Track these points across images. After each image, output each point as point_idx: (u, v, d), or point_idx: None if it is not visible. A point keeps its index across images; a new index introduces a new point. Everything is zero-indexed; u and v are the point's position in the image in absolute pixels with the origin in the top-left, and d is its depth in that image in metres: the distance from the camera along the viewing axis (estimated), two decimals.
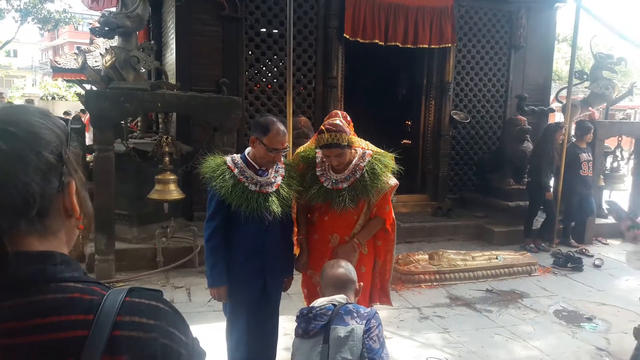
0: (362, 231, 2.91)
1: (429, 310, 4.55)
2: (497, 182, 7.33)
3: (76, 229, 0.85)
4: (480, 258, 5.56)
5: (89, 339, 0.69)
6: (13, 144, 0.73)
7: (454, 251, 5.66)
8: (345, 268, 2.47)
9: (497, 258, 5.59)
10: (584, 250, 6.47)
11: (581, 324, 4.39)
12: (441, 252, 5.51)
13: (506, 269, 5.50)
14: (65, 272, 0.76)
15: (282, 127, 2.69)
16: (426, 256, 5.48)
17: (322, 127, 2.83)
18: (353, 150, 2.88)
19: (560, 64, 24.15)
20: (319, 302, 2.33)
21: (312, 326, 2.23)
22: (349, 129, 2.84)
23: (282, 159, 2.91)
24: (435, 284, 5.20)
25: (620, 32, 6.00)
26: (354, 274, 2.47)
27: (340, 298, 2.32)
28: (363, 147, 2.96)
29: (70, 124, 0.87)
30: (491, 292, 5.06)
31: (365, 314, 2.22)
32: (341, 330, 2.16)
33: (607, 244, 7.04)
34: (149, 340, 0.73)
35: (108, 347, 0.69)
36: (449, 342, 3.94)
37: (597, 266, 6.02)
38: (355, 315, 2.21)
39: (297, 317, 2.32)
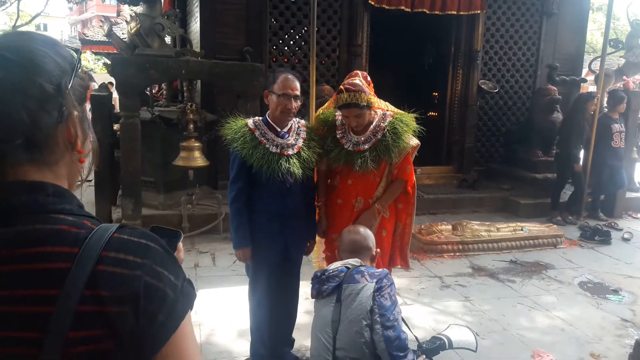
0: (384, 195, 2.89)
1: (451, 279, 4.54)
2: (524, 154, 7.17)
3: (78, 163, 0.83)
4: (505, 229, 5.49)
5: (71, 271, 0.68)
6: (8, 70, 0.72)
7: (478, 222, 5.60)
8: (363, 234, 2.50)
9: (522, 229, 5.52)
10: (612, 224, 6.32)
11: (607, 295, 4.33)
12: (465, 223, 5.46)
13: (531, 241, 5.43)
14: (57, 204, 0.75)
15: (290, 74, 2.69)
16: (449, 226, 5.44)
17: (341, 86, 2.79)
18: (373, 112, 2.84)
19: (595, 36, 23.21)
20: (334, 265, 2.39)
21: (325, 287, 2.30)
22: (369, 89, 2.80)
23: (303, 122, 2.90)
24: (458, 254, 5.17)
25: None
26: (371, 241, 2.50)
27: (353, 261, 2.35)
28: (383, 109, 2.92)
29: (79, 55, 0.85)
30: (515, 263, 5.01)
31: (377, 274, 2.27)
32: (352, 288, 2.22)
33: (638, 218, 6.86)
34: (132, 277, 0.71)
35: (90, 281, 0.68)
36: (470, 310, 3.94)
37: (626, 240, 5.88)
38: (366, 275, 2.26)
39: (312, 279, 2.40)
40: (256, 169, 2.66)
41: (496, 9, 7.39)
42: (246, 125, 2.77)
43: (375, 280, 2.24)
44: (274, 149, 2.70)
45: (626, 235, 5.94)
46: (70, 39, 35.62)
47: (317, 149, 2.85)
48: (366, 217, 2.84)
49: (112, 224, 0.77)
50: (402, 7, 6.60)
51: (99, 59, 23.67)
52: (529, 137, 7.14)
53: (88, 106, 5.25)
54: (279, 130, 2.75)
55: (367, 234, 2.53)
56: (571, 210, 6.57)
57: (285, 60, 6.70)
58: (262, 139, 2.71)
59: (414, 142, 2.85)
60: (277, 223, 2.75)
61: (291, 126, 2.81)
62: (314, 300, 2.46)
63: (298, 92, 2.72)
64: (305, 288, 3.28)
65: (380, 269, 2.36)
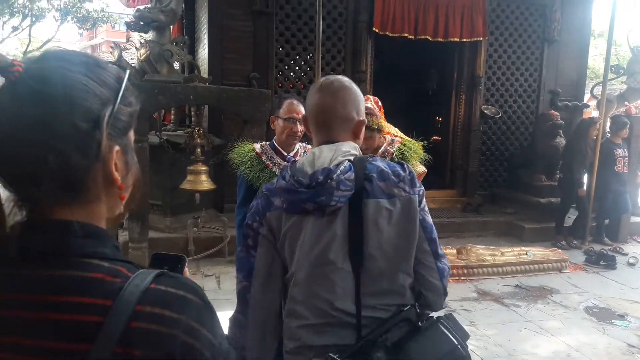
0: None
1: (456, 304, 4.53)
2: (528, 178, 7.22)
3: (118, 199, 0.76)
4: (510, 254, 5.50)
5: (104, 327, 0.63)
6: (42, 108, 0.65)
7: (483, 246, 5.61)
8: (348, 88, 1.49)
9: (526, 254, 5.52)
10: (617, 249, 6.31)
11: (613, 320, 4.31)
12: (469, 247, 5.47)
13: (536, 265, 5.43)
14: (91, 247, 0.69)
15: (294, 99, 2.79)
16: (454, 251, 5.45)
17: None
18: (382, 137, 2.90)
19: (597, 61, 23.44)
20: (318, 157, 1.40)
21: (327, 199, 1.33)
22: (380, 114, 2.87)
23: (309, 146, 2.97)
24: (463, 278, 5.17)
25: None
26: (355, 105, 1.50)
27: (350, 147, 1.43)
28: (392, 134, 2.98)
29: (127, 75, 0.76)
30: (520, 288, 5.00)
31: (409, 175, 1.44)
32: (383, 204, 1.38)
33: None
34: (168, 336, 0.66)
35: (122, 339, 0.63)
36: (475, 334, 3.93)
37: (631, 264, 5.87)
38: (394, 178, 1.40)
39: (286, 183, 1.39)
40: None
41: (498, 35, 7.53)
42: (253, 149, 2.83)
43: (417, 190, 1.44)
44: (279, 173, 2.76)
45: (631, 260, 5.93)
46: None
47: None
48: None
49: (149, 270, 0.72)
50: (406, 34, 6.74)
51: None
52: (532, 161, 7.19)
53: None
54: (286, 154, 2.81)
55: (348, 92, 1.48)
56: (576, 235, 6.57)
57: (291, 85, 6.82)
58: (269, 162, 2.77)
59: (421, 169, 2.90)
60: None
61: (297, 150, 2.87)
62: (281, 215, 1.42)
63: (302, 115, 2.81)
64: None
65: (398, 164, 1.47)
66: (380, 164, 1.44)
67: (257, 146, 2.85)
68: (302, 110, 2.80)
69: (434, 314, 1.41)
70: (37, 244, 0.68)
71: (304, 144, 2.96)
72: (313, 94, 1.49)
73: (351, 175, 1.36)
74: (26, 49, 20.05)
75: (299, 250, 1.40)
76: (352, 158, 1.41)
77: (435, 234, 1.52)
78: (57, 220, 0.69)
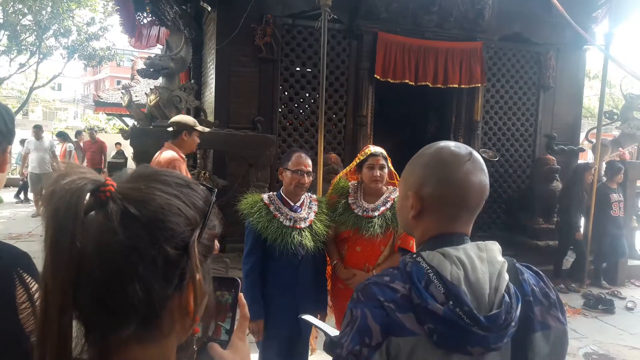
0: (384, 263, 3.02)
1: None
2: (526, 221, 7.34)
3: (189, 331, 0.69)
4: None
5: None
6: (131, 232, 0.61)
7: None
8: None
9: None
10: (615, 292, 6.38)
11: None
12: None
13: None
14: None
15: (303, 153, 2.94)
16: None
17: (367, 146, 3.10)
18: (385, 188, 3.05)
19: (592, 101, 23.90)
20: (471, 270, 1.02)
21: (499, 342, 1.00)
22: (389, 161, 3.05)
23: (315, 196, 3.10)
24: None
25: None
26: None
27: (498, 251, 1.10)
28: (395, 184, 3.13)
29: (214, 196, 0.74)
30: None
31: (556, 296, 1.15)
32: (546, 336, 1.09)
33: None
34: None
35: None
36: None
37: (629, 309, 5.92)
38: (545, 300, 1.12)
39: (448, 312, 0.97)
40: (270, 242, 2.82)
41: (495, 82, 7.79)
42: (261, 200, 2.95)
43: (559, 312, 1.14)
44: (287, 223, 2.86)
45: (629, 305, 5.99)
46: (84, 98, 36.83)
47: (328, 221, 3.02)
48: (360, 281, 2.93)
49: None
50: (407, 81, 6.97)
51: (110, 119, 24.42)
52: (530, 204, 7.32)
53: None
54: (292, 204, 2.93)
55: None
56: (574, 278, 6.65)
57: (295, 129, 7.01)
58: (277, 213, 2.89)
59: None
60: (289, 295, 2.86)
61: (303, 200, 3.00)
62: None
63: (310, 169, 2.94)
64: (313, 358, 3.35)
65: (535, 275, 1.18)
66: (528, 277, 1.13)
67: (265, 197, 2.98)
68: (309, 163, 2.96)
69: None
70: None
71: (309, 194, 3.09)
72: (458, 165, 1.12)
73: (519, 305, 1.04)
74: (32, 84, 20.44)
75: None
76: (507, 275, 1.06)
77: None
78: None
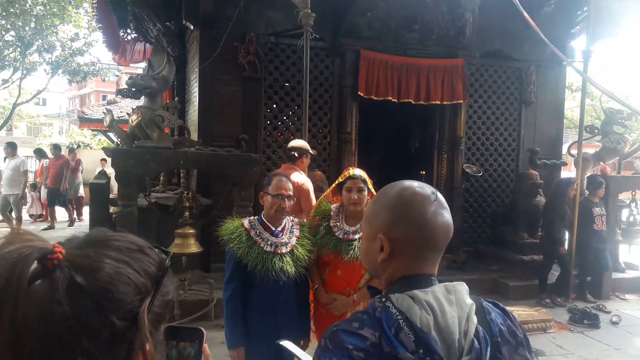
0: (364, 288, 3.00)
1: None
2: (511, 236, 7.37)
3: None
4: None
5: None
6: (76, 302, 0.58)
7: None
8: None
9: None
10: (600, 306, 6.41)
11: None
12: None
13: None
14: None
15: (283, 177, 2.94)
16: None
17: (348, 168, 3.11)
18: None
19: (575, 112, 24.24)
20: (440, 314, 1.02)
21: None
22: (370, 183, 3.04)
23: (297, 220, 3.08)
24: None
25: (620, 99, 6.16)
26: None
27: (465, 292, 1.09)
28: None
29: (168, 261, 0.71)
30: None
31: (522, 333, 1.14)
32: None
33: (626, 300, 6.96)
34: None
35: None
36: None
37: (614, 323, 5.95)
38: (512, 339, 1.10)
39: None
40: (251, 269, 2.79)
41: (477, 98, 7.87)
42: (242, 225, 2.92)
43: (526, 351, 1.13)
44: (268, 248, 2.83)
45: (614, 319, 6.02)
46: (69, 113, 36.53)
47: (310, 246, 3.00)
48: (341, 305, 2.90)
49: None
50: (390, 98, 7.01)
51: (95, 134, 24.22)
52: (514, 219, 7.37)
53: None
54: (273, 229, 2.91)
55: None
56: (559, 292, 6.67)
57: (279, 147, 7.00)
58: (257, 238, 2.86)
59: None
60: (271, 321, 2.83)
61: (285, 225, 2.98)
62: None
63: (291, 193, 2.93)
64: None
65: (501, 312, 1.15)
66: (495, 316, 1.10)
67: (246, 222, 2.95)
68: (290, 187, 2.94)
69: None
70: None
71: (290, 217, 3.07)
72: (425, 207, 1.11)
73: (488, 349, 1.02)
74: (16, 100, 20.25)
75: None
76: (476, 317, 1.04)
77: None
78: None
